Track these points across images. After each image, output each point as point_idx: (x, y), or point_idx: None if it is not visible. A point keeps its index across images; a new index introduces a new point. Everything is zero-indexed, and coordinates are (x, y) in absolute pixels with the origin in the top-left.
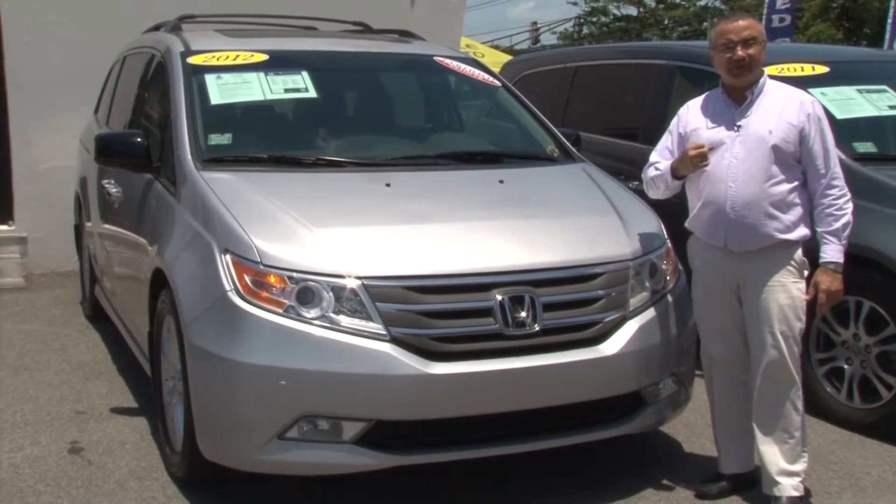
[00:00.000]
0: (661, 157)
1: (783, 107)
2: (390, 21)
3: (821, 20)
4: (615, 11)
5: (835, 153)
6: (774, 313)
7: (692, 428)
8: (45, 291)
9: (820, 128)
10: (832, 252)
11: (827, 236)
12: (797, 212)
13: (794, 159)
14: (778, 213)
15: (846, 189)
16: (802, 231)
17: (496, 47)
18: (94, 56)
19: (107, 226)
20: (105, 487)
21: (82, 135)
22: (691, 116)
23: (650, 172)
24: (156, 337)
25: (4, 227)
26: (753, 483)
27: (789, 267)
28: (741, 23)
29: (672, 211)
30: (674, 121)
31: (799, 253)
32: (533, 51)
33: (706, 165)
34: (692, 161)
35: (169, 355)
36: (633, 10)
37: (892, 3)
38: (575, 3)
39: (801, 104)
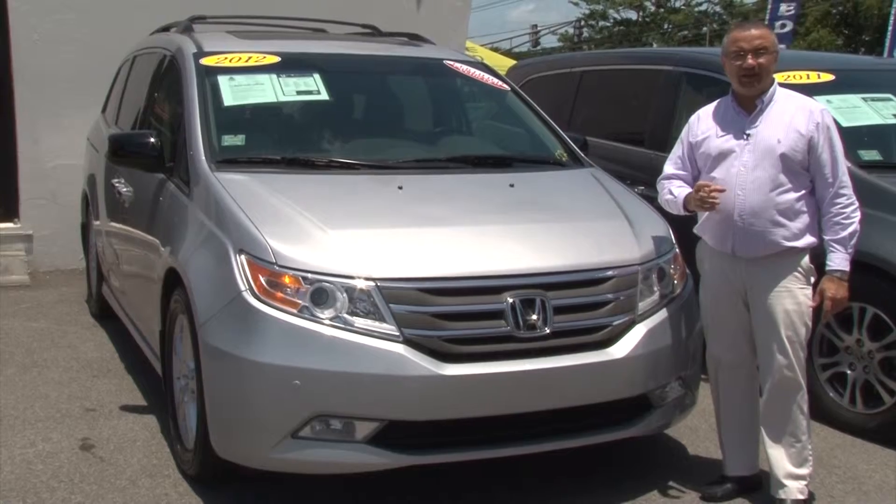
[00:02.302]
0: (673, 168)
1: (792, 116)
2: (396, 24)
3: (821, 26)
4: (615, 15)
5: (843, 162)
6: (781, 319)
7: (697, 431)
8: (50, 289)
9: (829, 137)
10: (838, 260)
11: (834, 245)
12: (805, 219)
13: (802, 168)
14: (785, 221)
15: (854, 198)
16: (809, 239)
17: (496, 49)
18: (102, 55)
19: (117, 224)
20: (117, 484)
21: (90, 133)
22: (702, 125)
23: (665, 194)
24: (168, 336)
25: (10, 225)
26: (758, 485)
27: (796, 273)
28: (753, 31)
29: (680, 216)
30: (684, 129)
31: (806, 259)
32: (533, 54)
33: (710, 208)
34: (695, 200)
35: (181, 354)
36: (632, 14)
37: (893, 11)
38: (577, 4)
39: (811, 113)
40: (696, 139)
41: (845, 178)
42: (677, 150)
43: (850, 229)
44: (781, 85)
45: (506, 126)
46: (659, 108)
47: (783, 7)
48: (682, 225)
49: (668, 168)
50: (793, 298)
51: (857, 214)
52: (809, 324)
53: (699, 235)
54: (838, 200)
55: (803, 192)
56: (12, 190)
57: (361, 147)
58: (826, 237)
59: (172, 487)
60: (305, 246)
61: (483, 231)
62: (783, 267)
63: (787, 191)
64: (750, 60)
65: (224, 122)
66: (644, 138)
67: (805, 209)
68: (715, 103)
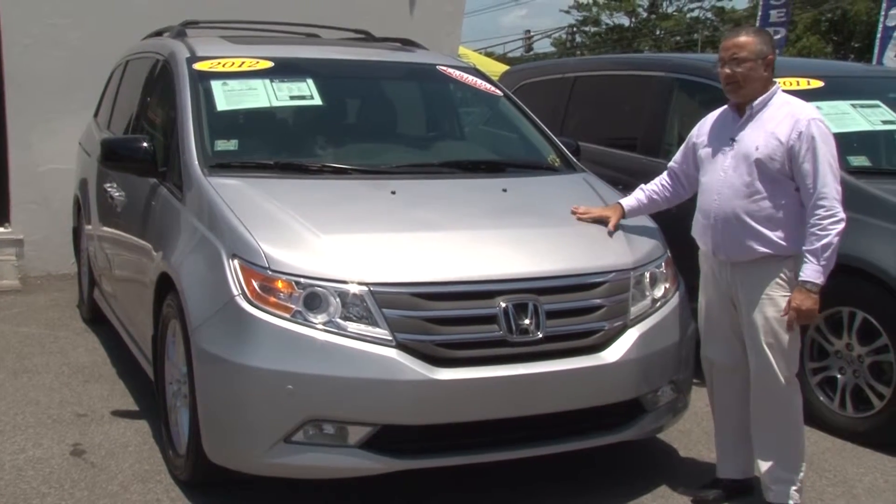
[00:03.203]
0: (673, 160)
1: (778, 123)
2: (389, 29)
3: (811, 33)
4: (607, 21)
5: (829, 173)
6: (761, 325)
7: (689, 435)
8: (41, 294)
9: (812, 147)
10: (809, 271)
11: (807, 255)
12: (784, 227)
13: (782, 175)
14: (760, 228)
15: (836, 210)
16: (788, 247)
17: (490, 55)
18: (94, 59)
19: (109, 229)
20: (108, 489)
21: (82, 138)
22: (704, 127)
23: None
24: (160, 341)
25: (1, 230)
26: (750, 489)
27: (779, 280)
28: (734, 40)
29: (673, 220)
30: (693, 129)
31: (791, 266)
32: (526, 59)
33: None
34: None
35: (174, 359)
36: (625, 20)
37: (881, 18)
38: (568, 12)
39: (796, 122)
40: (697, 140)
41: (826, 190)
42: (683, 145)
43: (824, 241)
44: None
45: (499, 131)
46: (651, 113)
47: (774, 14)
48: (678, 230)
49: (672, 161)
50: (774, 306)
51: (837, 227)
52: (795, 331)
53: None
54: (816, 212)
55: (784, 200)
56: (3, 194)
57: (355, 152)
58: (803, 247)
59: (164, 493)
60: (298, 250)
61: (476, 236)
62: (765, 273)
63: (763, 198)
64: (726, 69)
65: (217, 127)
66: (636, 143)
67: (784, 217)
68: (721, 108)
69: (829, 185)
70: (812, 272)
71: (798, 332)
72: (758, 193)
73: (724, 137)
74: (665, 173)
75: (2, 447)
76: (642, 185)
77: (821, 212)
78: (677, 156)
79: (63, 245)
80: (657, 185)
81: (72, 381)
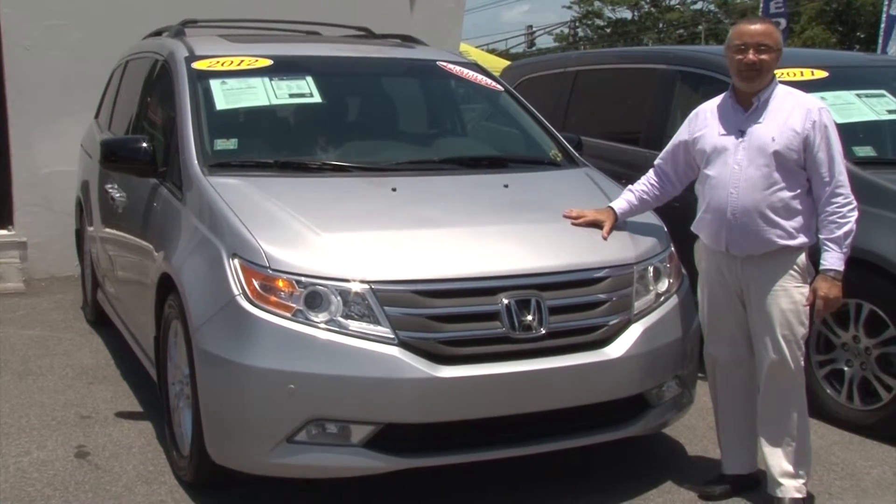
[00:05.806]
0: (660, 158)
1: (789, 114)
2: (389, 26)
3: (815, 24)
4: (609, 15)
5: (841, 161)
6: (776, 318)
7: (694, 430)
8: (45, 296)
9: (826, 136)
10: (832, 259)
11: (828, 243)
12: (800, 218)
13: (797, 166)
14: (779, 220)
15: (852, 197)
16: (804, 238)
17: (492, 51)
18: (94, 60)
19: (110, 230)
20: (113, 491)
21: (83, 139)
22: (699, 121)
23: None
24: (162, 341)
25: (4, 232)
26: (756, 484)
27: (792, 272)
28: (757, 27)
29: (675, 214)
30: (683, 125)
31: (802, 258)
32: (529, 55)
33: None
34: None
35: (176, 360)
36: (627, 14)
37: (884, 9)
38: (570, 7)
39: (808, 112)
40: (694, 135)
41: (842, 178)
42: (670, 143)
43: (846, 228)
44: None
45: (500, 127)
46: (653, 106)
47: (772, 5)
48: (680, 223)
49: (658, 159)
50: (789, 297)
51: (854, 214)
52: (806, 323)
53: (696, 233)
54: (835, 199)
55: (799, 190)
56: (6, 197)
57: (355, 149)
58: (821, 236)
59: (169, 494)
60: (299, 249)
61: (477, 232)
62: (779, 265)
63: (781, 189)
64: (751, 55)
65: (216, 126)
66: (639, 137)
67: (800, 207)
68: (714, 99)
69: (844, 172)
70: (834, 260)
71: (808, 325)
72: (776, 185)
73: (730, 130)
74: (651, 172)
75: (6, 449)
76: (630, 186)
77: (839, 199)
78: (664, 153)
79: (66, 247)
80: (646, 185)
81: (76, 383)
